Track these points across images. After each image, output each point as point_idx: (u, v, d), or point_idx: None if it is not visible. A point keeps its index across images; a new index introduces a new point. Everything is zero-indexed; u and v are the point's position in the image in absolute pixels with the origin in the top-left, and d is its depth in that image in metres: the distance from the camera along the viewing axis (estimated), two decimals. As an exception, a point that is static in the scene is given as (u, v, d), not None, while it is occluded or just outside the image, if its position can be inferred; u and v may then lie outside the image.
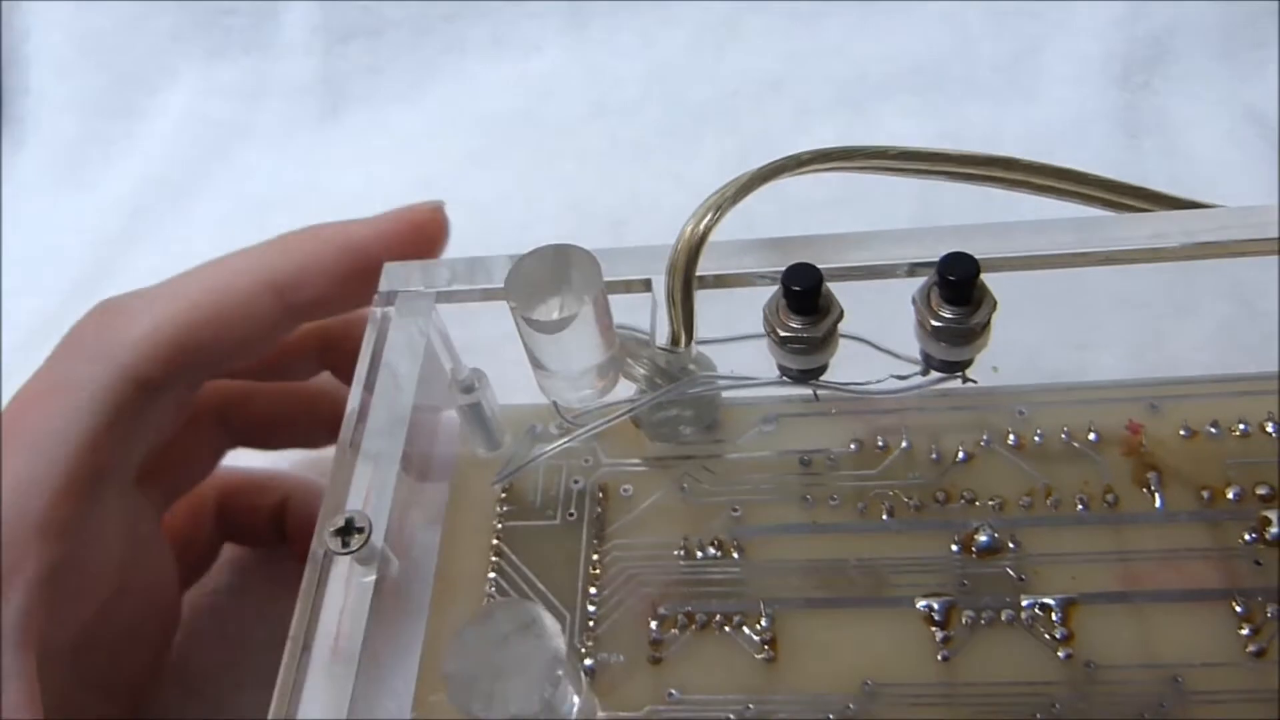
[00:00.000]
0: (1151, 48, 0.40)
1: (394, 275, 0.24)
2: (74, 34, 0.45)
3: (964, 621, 0.20)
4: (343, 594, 0.20)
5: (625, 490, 0.23)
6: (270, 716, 0.18)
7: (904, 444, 0.23)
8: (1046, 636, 0.20)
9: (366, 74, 0.44)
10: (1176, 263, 0.21)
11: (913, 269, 0.22)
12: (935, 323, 0.20)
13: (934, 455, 0.22)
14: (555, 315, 0.19)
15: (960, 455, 0.22)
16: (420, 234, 0.26)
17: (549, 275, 0.20)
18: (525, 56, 0.44)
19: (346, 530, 0.20)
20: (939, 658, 0.20)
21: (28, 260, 0.42)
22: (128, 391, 0.23)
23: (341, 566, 0.20)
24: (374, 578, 0.21)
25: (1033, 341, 0.23)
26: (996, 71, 0.41)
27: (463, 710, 0.16)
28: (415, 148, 0.42)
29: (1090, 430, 0.22)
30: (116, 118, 0.45)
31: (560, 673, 0.16)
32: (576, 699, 0.17)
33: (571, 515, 0.23)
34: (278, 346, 0.27)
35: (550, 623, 0.16)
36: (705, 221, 0.21)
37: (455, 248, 0.27)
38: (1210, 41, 0.40)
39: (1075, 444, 0.22)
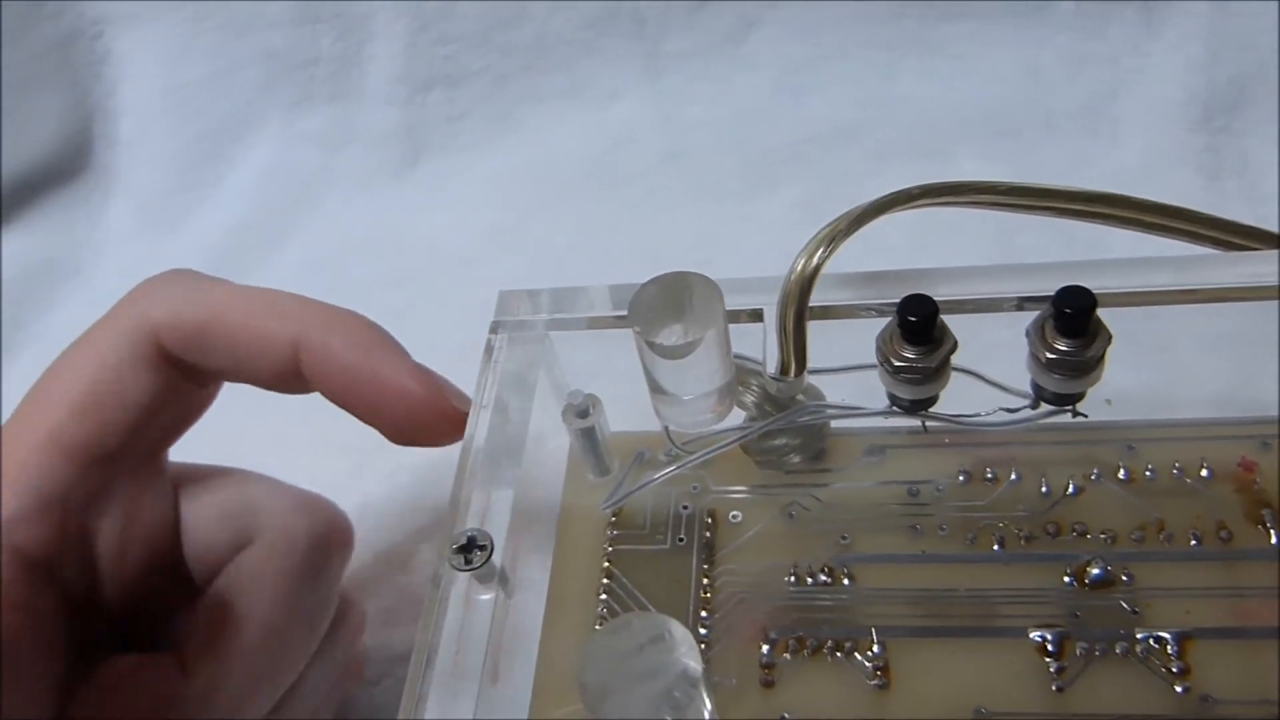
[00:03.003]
0: (1231, 91, 0.40)
1: (505, 304, 0.25)
2: (163, 87, 0.46)
3: (1078, 653, 0.20)
4: (462, 610, 0.21)
5: (734, 516, 0.23)
6: (399, 726, 0.19)
7: (1013, 476, 0.23)
8: (1163, 670, 0.20)
9: (446, 122, 0.45)
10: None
11: (1021, 303, 0.23)
12: (1050, 355, 0.20)
13: (1043, 488, 0.23)
14: (679, 340, 0.20)
15: (1070, 489, 0.22)
16: (439, 417, 0.23)
17: (670, 301, 0.20)
18: (601, 104, 0.45)
19: (468, 548, 0.21)
20: (1053, 688, 0.20)
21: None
22: (151, 356, 0.23)
23: (461, 584, 0.21)
24: (493, 595, 0.21)
25: (1142, 377, 0.23)
26: (1072, 117, 0.41)
27: (594, 714, 0.16)
28: (493, 194, 0.43)
29: (1202, 466, 0.22)
30: (205, 167, 0.46)
31: (692, 689, 0.16)
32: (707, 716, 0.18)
33: (681, 540, 0.23)
34: None
35: (683, 636, 0.17)
36: (819, 255, 0.22)
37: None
38: (1291, 84, 0.40)
39: (1187, 480, 0.22)
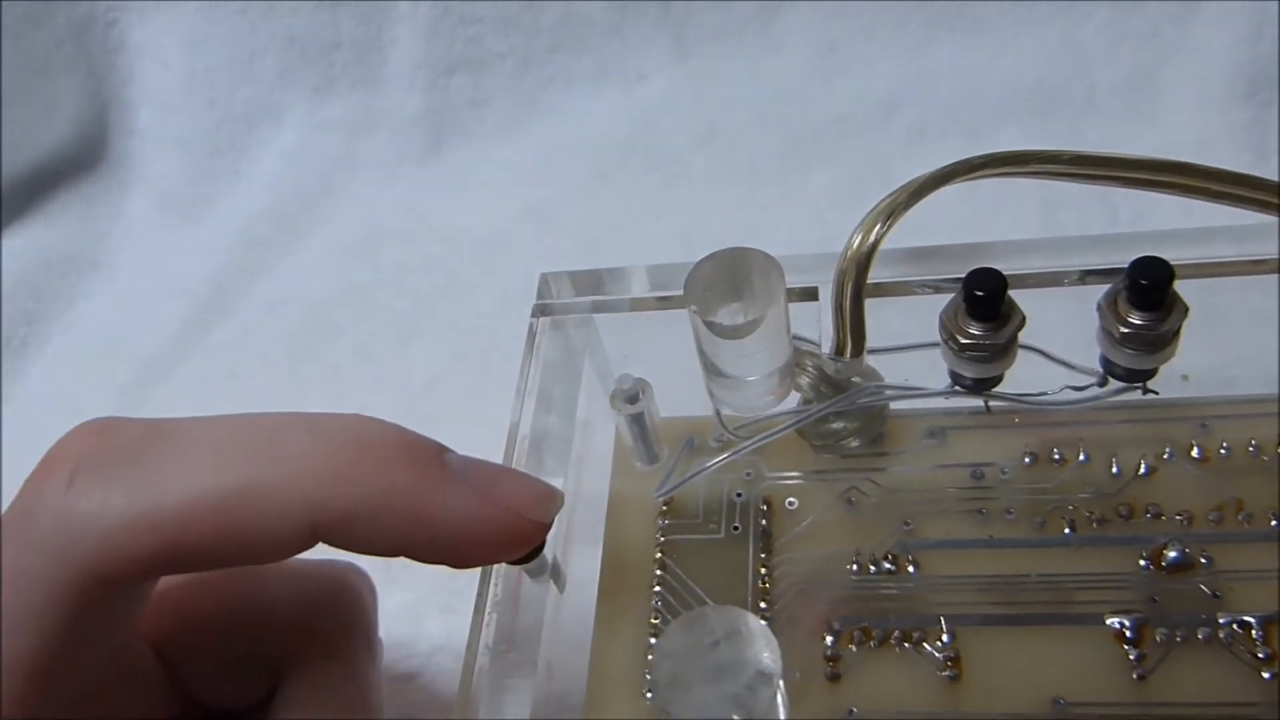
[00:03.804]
0: (1276, 64, 0.39)
1: (546, 286, 0.24)
2: (181, 74, 0.45)
3: (1158, 639, 0.19)
4: (514, 605, 0.20)
5: (790, 503, 0.23)
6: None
7: (1081, 457, 0.22)
8: (1248, 655, 0.19)
9: (471, 107, 0.44)
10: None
11: (1084, 276, 0.22)
12: (1124, 329, 0.19)
13: (1114, 469, 0.22)
14: (740, 319, 0.19)
15: (1142, 469, 0.22)
16: (516, 541, 0.18)
17: (728, 279, 0.19)
18: (630, 86, 0.44)
19: (519, 541, 0.20)
20: (1134, 676, 0.19)
21: (143, 297, 0.42)
22: (90, 592, 0.16)
23: (513, 577, 0.20)
24: (546, 589, 0.20)
25: (1214, 351, 0.22)
26: (1115, 93, 0.40)
27: (666, 711, 0.15)
28: (520, 179, 0.42)
29: (1280, 442, 0.21)
30: (226, 155, 0.46)
31: (768, 687, 0.16)
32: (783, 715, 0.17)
33: (736, 529, 0.22)
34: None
35: (760, 631, 0.16)
36: (876, 230, 0.21)
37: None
38: (1341, 54, 0.39)
39: (1264, 457, 0.21)
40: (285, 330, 0.38)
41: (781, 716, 0.17)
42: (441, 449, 0.18)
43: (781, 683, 0.17)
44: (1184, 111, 0.39)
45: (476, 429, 0.22)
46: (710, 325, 0.19)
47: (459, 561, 0.18)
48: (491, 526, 0.17)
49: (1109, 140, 0.38)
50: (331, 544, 0.17)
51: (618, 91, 0.43)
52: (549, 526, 0.18)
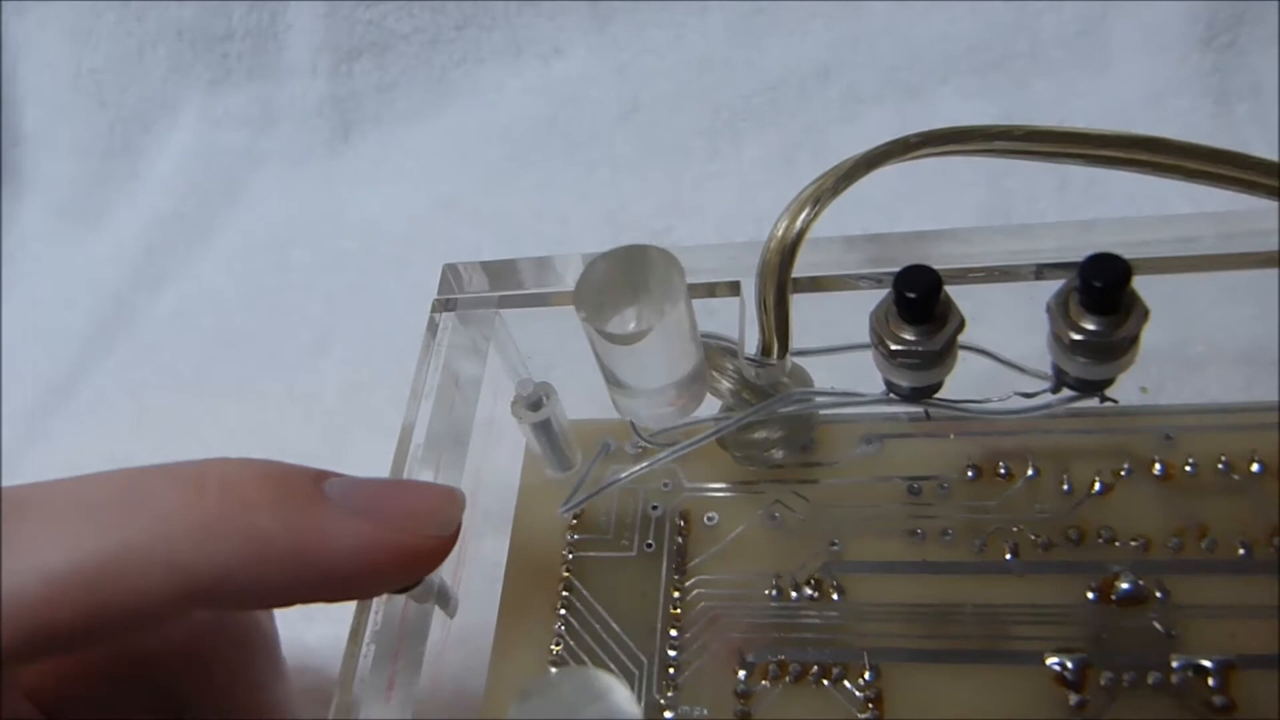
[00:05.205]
0: (1234, 3, 0.36)
1: (450, 279, 0.22)
2: (68, 73, 0.42)
3: (1102, 683, 0.17)
4: (396, 636, 0.18)
5: (709, 519, 0.21)
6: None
7: (1030, 472, 0.20)
8: (1202, 705, 0.17)
9: (377, 92, 0.41)
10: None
11: (1041, 270, 0.20)
12: (1075, 335, 0.17)
13: (1065, 486, 0.19)
14: (631, 326, 0.17)
15: (1097, 486, 0.19)
16: (419, 560, 0.17)
17: (623, 280, 0.17)
18: (546, 61, 0.41)
19: (399, 565, 0.18)
20: (1074, 725, 0.17)
21: (35, 314, 0.40)
22: None
23: (396, 606, 0.18)
24: (431, 616, 0.19)
25: (1182, 355, 0.20)
26: (1063, 44, 0.37)
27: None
28: (435, 165, 0.40)
29: (1254, 460, 0.19)
30: (120, 158, 0.43)
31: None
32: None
33: (649, 546, 0.20)
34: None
35: (624, 696, 0.14)
36: (802, 218, 0.18)
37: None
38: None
39: (1235, 476, 0.19)
40: (191, 342, 0.36)
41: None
42: (318, 477, 0.16)
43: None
44: (1138, 62, 0.35)
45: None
46: (601, 332, 0.17)
47: (363, 594, 0.17)
48: (387, 551, 0.16)
49: (1058, 98, 0.35)
50: (215, 607, 0.16)
51: (533, 67, 0.40)
52: (454, 539, 0.17)
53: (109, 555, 0.14)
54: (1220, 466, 0.19)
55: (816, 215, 0.18)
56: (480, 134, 0.39)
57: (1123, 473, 0.19)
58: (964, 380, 0.19)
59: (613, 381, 0.18)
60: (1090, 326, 0.17)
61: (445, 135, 0.40)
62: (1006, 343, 0.19)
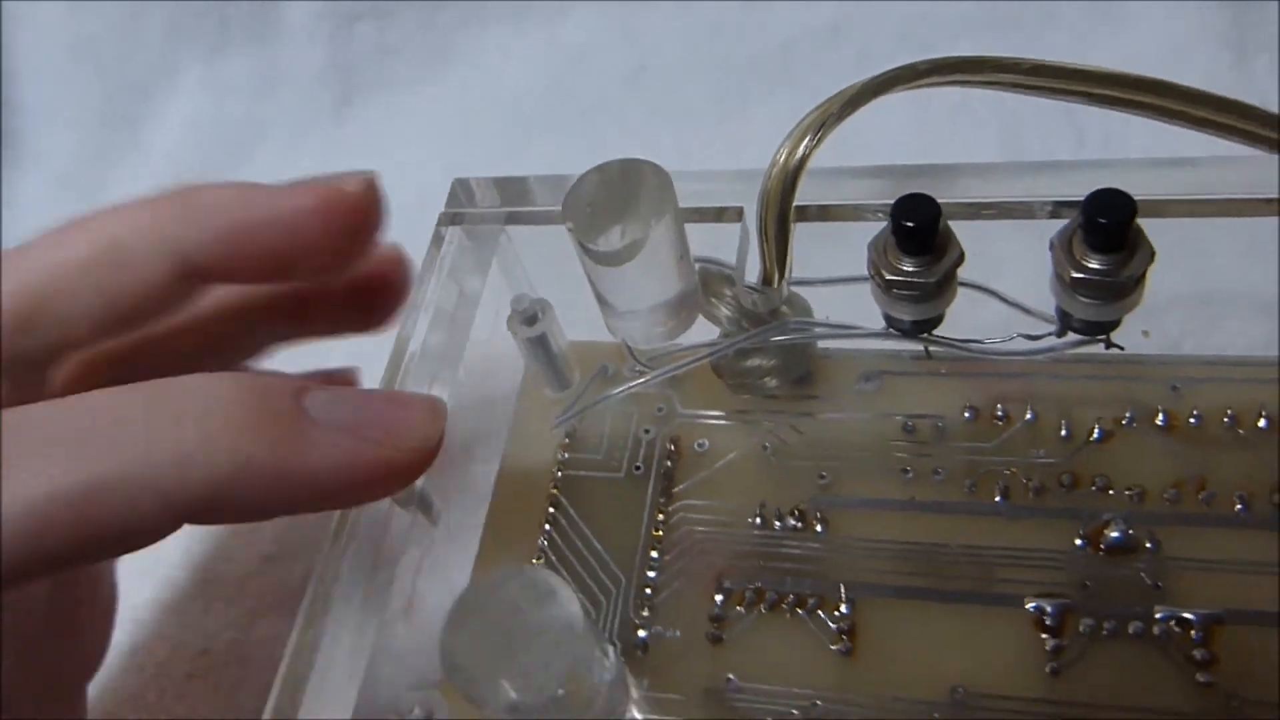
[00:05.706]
0: None
1: (462, 192, 0.22)
2: (64, 42, 0.42)
3: (1081, 630, 0.17)
4: (378, 537, 0.18)
5: (700, 445, 0.20)
6: (281, 672, 0.17)
7: (1028, 415, 0.19)
8: (1182, 657, 0.16)
9: (379, 56, 0.41)
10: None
11: (1056, 209, 0.19)
12: (1077, 274, 0.16)
13: (1064, 431, 0.19)
14: (618, 243, 0.17)
15: (1096, 433, 0.19)
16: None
17: (614, 195, 0.17)
18: (551, 23, 0.40)
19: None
20: (1047, 669, 0.17)
21: None
22: None
23: (378, 508, 0.19)
24: (411, 520, 0.19)
25: (1194, 303, 0.19)
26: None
27: (471, 699, 0.14)
28: (439, 131, 0.39)
29: (1261, 414, 0.18)
30: (120, 126, 0.42)
31: (578, 642, 0.14)
32: (610, 664, 0.15)
33: (638, 469, 0.20)
34: (189, 316, 0.22)
35: (567, 594, 0.14)
36: (805, 144, 0.18)
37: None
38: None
39: (1240, 430, 0.18)
40: None
41: (608, 667, 0.15)
42: (299, 391, 0.16)
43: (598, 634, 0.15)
44: (1153, 13, 0.34)
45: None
46: (586, 248, 0.17)
47: (345, 506, 0.18)
48: (369, 466, 0.16)
49: (1075, 53, 0.34)
50: (203, 523, 0.16)
51: (539, 30, 0.40)
52: (436, 450, 0.17)
53: (95, 484, 0.15)
54: (1226, 420, 0.18)
55: (819, 141, 0.18)
56: (485, 98, 0.39)
57: (1124, 421, 0.19)
58: (969, 324, 0.19)
59: (601, 300, 0.18)
60: (1094, 265, 0.16)
61: (449, 101, 0.39)
62: (1014, 283, 0.19)
